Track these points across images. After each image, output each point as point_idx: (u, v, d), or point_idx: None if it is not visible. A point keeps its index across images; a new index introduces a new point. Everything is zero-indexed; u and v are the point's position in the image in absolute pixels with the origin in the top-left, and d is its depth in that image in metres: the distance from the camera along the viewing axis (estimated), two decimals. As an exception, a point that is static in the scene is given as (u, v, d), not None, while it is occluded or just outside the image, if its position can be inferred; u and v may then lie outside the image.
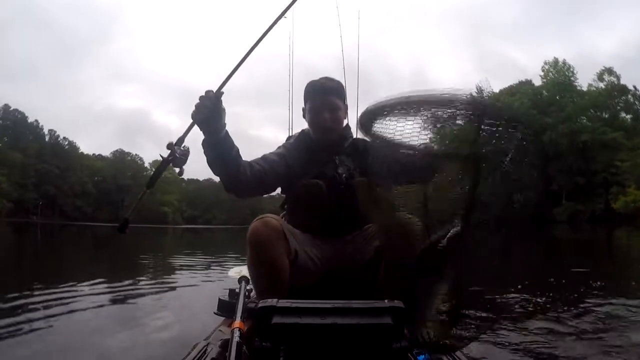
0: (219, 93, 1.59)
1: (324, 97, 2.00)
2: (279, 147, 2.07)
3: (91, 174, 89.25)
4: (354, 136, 2.15)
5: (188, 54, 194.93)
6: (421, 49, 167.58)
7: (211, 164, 1.70)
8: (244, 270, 2.20)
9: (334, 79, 2.08)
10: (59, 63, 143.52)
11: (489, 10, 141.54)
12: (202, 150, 1.68)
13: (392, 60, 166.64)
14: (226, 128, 1.66)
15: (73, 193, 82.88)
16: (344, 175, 1.94)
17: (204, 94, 1.58)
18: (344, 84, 2.22)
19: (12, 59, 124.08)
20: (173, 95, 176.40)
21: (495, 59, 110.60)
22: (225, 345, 1.39)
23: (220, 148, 1.66)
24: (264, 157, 1.93)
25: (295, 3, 1.80)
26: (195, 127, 1.62)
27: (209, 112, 1.56)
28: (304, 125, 2.15)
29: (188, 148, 1.60)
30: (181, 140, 1.60)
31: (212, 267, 7.74)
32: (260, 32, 1.72)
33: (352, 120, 2.17)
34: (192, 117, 1.58)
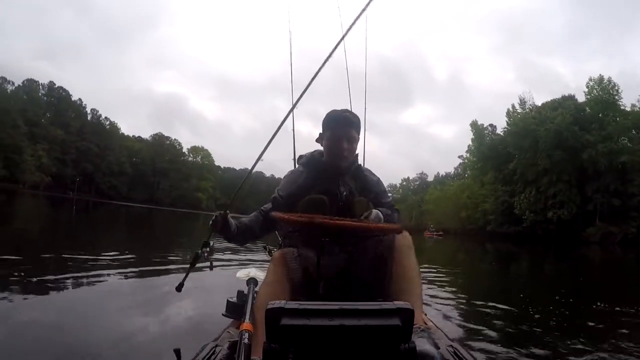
0: (225, 214, 2.16)
1: (345, 128, 2.23)
2: (291, 172, 2.43)
3: (129, 155, 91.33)
4: (360, 163, 2.44)
5: (227, 44, 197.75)
6: (459, 53, 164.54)
7: (231, 241, 2.32)
8: (252, 272, 2.26)
9: (355, 113, 2.33)
10: (105, 46, 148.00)
11: (531, 21, 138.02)
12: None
13: (428, 63, 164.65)
14: (235, 224, 2.23)
15: (110, 172, 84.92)
16: (344, 193, 2.20)
17: (218, 215, 2.16)
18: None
19: (61, 39, 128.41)
20: (211, 83, 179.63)
21: (536, 70, 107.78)
22: (234, 346, 1.43)
23: (234, 239, 2.29)
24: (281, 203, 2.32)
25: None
26: None
27: (220, 226, 2.15)
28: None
29: (215, 249, 2.23)
30: (207, 243, 2.17)
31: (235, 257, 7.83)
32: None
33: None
34: (209, 227, 2.16)
